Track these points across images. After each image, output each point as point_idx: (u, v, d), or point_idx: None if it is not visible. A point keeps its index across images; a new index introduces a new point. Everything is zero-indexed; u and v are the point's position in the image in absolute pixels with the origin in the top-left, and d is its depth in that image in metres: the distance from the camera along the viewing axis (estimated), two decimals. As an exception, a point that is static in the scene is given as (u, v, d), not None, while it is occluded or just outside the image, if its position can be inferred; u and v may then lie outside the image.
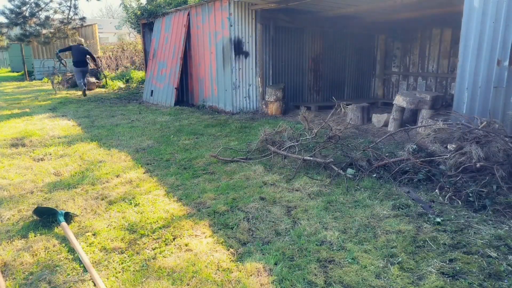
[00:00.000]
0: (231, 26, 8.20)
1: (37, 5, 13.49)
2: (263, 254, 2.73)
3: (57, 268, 2.63)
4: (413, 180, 3.99)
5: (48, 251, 2.85)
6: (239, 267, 2.58)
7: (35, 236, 3.07)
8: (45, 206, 3.58)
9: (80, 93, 12.94)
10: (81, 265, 2.64)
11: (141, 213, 3.47)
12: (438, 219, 3.13)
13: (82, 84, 12.44)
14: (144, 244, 2.94)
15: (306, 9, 8.65)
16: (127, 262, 2.70)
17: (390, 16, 8.80)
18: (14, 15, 13.03)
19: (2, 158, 5.28)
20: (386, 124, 6.92)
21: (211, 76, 9.21)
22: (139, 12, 12.51)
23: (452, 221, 3.12)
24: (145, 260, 2.71)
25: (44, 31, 14.19)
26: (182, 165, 4.89)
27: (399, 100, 6.54)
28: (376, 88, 11.38)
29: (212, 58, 9.04)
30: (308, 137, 5.41)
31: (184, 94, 10.75)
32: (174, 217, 3.38)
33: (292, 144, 5.21)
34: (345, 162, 4.74)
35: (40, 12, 13.68)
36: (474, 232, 2.93)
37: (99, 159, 5.19)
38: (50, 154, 5.45)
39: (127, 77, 16.19)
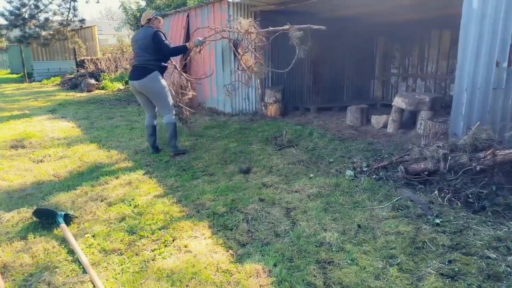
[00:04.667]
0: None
1: (36, 7, 13.51)
2: (262, 256, 2.73)
3: (57, 269, 2.63)
4: (412, 181, 3.99)
5: (47, 253, 2.85)
6: (239, 269, 2.59)
7: (34, 238, 3.07)
8: (44, 207, 3.58)
9: (80, 94, 12.77)
10: (81, 267, 2.64)
11: (140, 214, 3.48)
12: (437, 220, 3.14)
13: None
14: (144, 245, 2.94)
15: (305, 11, 8.66)
16: (127, 263, 2.70)
17: (389, 18, 8.82)
18: (13, 17, 13.05)
19: (2, 159, 5.28)
20: (385, 126, 6.92)
21: (210, 77, 9.21)
22: (138, 14, 12.55)
23: (451, 222, 3.12)
24: (145, 261, 2.71)
25: (43, 33, 14.21)
26: (181, 167, 4.89)
27: (398, 102, 6.55)
28: (375, 89, 11.39)
29: (211, 59, 9.05)
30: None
31: (184, 96, 10.75)
32: (173, 219, 3.38)
33: (292, 145, 5.23)
34: (345, 163, 4.75)
35: (39, 14, 13.70)
36: (473, 233, 2.94)
37: (98, 160, 5.19)
38: (50, 156, 5.45)
39: (127, 79, 16.20)
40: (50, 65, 20.35)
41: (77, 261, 2.71)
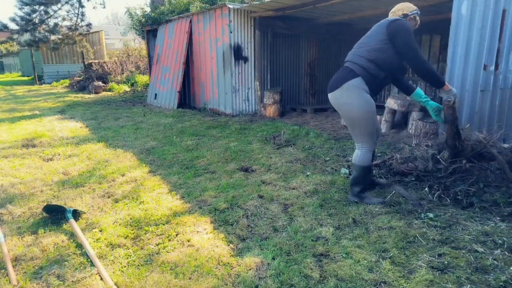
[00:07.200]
0: (231, 32, 8.20)
1: (46, 12, 13.51)
2: (261, 249, 2.73)
3: (66, 262, 2.63)
4: (403, 179, 3.99)
5: (57, 247, 2.84)
6: (239, 262, 2.58)
7: (44, 232, 3.06)
8: (54, 203, 3.57)
9: (88, 96, 12.74)
10: (88, 260, 2.64)
11: (145, 210, 3.47)
12: (428, 216, 3.13)
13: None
14: (148, 239, 2.93)
15: (302, 17, 8.66)
16: (132, 256, 2.70)
17: (382, 23, 8.80)
18: (24, 22, 13.05)
19: (14, 158, 5.27)
20: (378, 126, 6.92)
21: (212, 80, 9.21)
22: (143, 20, 12.50)
23: (441, 218, 3.12)
24: (149, 255, 2.71)
25: (52, 37, 14.22)
26: (185, 165, 4.89)
27: (391, 103, 6.55)
28: (369, 91, 11.39)
29: (213, 63, 9.04)
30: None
31: (187, 97, 10.75)
32: (176, 214, 3.37)
33: (290, 144, 5.23)
34: (340, 161, 4.74)
35: (49, 20, 13.69)
36: (462, 228, 2.94)
37: (105, 159, 5.18)
38: (59, 154, 5.44)
39: (132, 81, 16.18)
40: (60, 68, 20.34)
41: (85, 254, 2.71)
